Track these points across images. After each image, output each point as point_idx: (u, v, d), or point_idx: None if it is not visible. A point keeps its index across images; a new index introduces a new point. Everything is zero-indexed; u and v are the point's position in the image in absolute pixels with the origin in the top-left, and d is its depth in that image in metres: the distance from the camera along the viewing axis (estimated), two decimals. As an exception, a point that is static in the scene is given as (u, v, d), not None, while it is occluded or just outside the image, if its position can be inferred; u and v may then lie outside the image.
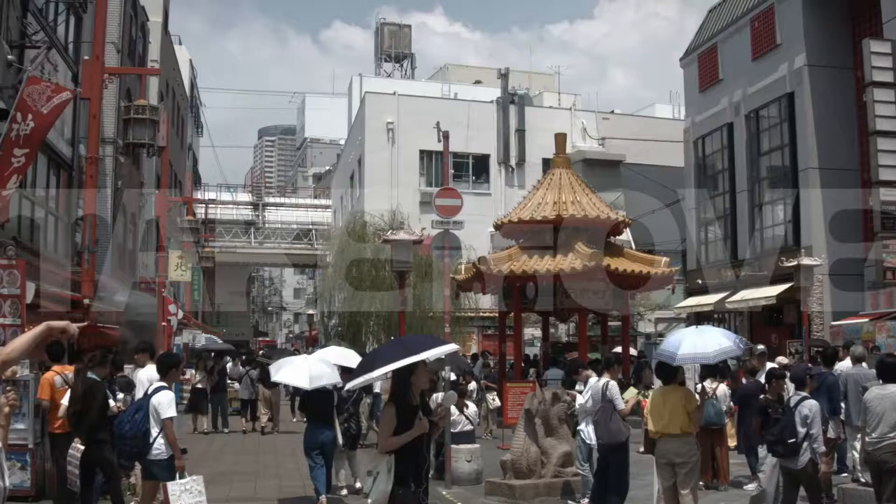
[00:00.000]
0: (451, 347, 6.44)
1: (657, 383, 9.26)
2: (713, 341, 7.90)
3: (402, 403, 5.74)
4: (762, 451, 8.41)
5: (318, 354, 11.91)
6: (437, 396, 12.72)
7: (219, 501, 11.14)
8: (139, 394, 9.97)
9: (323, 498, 10.04)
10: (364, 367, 6.06)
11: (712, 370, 11.07)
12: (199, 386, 19.77)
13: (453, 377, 13.02)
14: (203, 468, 13.81)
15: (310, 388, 10.34)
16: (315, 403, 10.59)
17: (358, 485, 11.05)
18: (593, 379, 9.88)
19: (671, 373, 8.11)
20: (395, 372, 5.76)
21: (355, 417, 11.70)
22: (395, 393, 5.85)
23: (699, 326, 8.97)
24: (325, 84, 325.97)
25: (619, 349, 18.11)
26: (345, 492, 11.18)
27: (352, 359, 10.88)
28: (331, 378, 10.44)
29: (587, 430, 9.90)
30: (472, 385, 16.09)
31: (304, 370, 10.48)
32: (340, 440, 10.93)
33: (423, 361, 5.72)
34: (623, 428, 9.20)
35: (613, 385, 9.30)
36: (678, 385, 8.16)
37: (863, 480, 9.38)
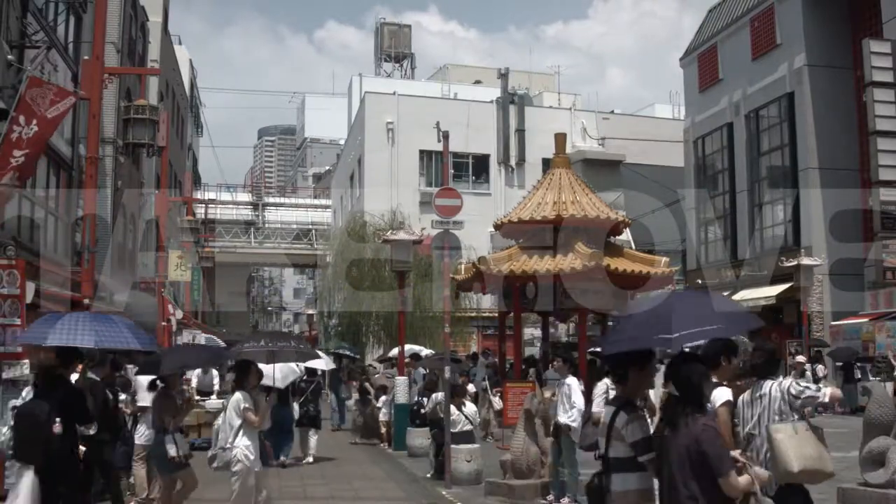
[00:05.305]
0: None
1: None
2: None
3: None
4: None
5: None
6: (437, 396, 12.75)
7: (220, 501, 11.11)
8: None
9: (284, 458, 12.98)
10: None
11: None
12: None
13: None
14: (201, 467, 13.79)
15: (282, 387, 12.34)
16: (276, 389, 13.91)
17: (309, 459, 13.82)
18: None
19: None
20: None
21: (313, 403, 14.28)
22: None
23: None
24: (324, 84, 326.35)
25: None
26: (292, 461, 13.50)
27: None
28: (293, 374, 12.88)
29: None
30: (471, 387, 16.12)
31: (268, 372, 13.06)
32: (297, 417, 13.76)
33: None
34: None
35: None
36: None
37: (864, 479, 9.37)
